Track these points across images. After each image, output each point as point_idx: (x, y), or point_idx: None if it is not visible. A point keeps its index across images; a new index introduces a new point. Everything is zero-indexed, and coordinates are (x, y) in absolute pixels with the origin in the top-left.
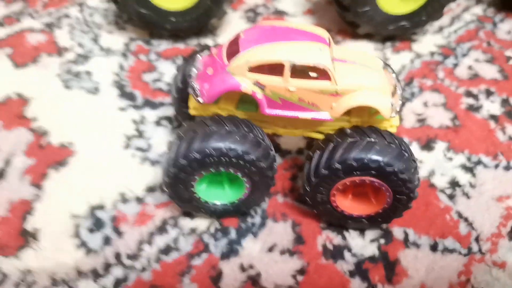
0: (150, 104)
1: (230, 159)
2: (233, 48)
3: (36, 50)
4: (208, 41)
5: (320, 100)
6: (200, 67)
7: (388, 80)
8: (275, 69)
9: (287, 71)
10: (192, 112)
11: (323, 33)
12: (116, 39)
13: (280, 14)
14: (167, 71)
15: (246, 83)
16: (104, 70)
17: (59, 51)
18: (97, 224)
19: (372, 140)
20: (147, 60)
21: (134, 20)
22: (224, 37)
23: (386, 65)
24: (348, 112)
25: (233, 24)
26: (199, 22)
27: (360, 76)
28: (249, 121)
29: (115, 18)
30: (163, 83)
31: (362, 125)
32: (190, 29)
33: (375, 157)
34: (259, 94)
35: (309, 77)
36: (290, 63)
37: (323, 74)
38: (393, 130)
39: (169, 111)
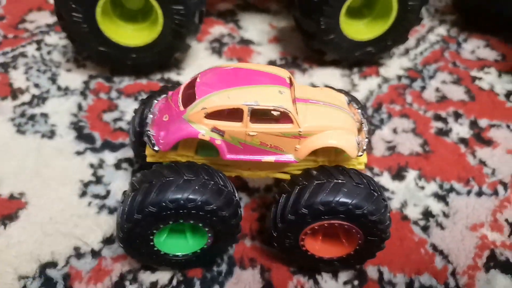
0: (109, 145)
1: (189, 210)
2: (189, 92)
3: None
4: (172, 75)
5: (283, 142)
6: (156, 112)
7: (353, 117)
8: (233, 114)
9: (246, 116)
10: (149, 159)
11: (284, 73)
12: (75, 78)
13: (246, 43)
14: (129, 109)
15: (204, 130)
16: (62, 112)
17: (13, 93)
18: (48, 285)
19: (340, 181)
20: (107, 98)
21: (94, 58)
22: (189, 70)
23: (352, 100)
24: (314, 152)
25: (198, 56)
26: (161, 57)
27: (324, 116)
28: (210, 167)
29: (74, 55)
30: (124, 122)
31: (329, 164)
32: (152, 64)
33: (343, 199)
34: (218, 140)
35: (270, 121)
36: (248, 108)
37: (284, 117)
38: (361, 167)
39: (130, 152)
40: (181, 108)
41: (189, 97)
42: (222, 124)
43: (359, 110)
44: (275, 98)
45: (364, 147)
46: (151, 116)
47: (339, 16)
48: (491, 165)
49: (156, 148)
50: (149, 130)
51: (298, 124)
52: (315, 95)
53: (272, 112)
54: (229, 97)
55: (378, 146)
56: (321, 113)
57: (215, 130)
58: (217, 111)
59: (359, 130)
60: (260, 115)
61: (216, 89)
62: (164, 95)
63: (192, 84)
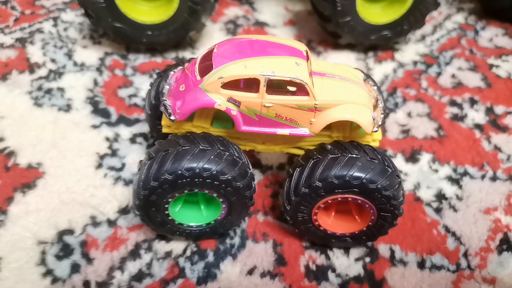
0: (125, 120)
1: (204, 179)
2: (206, 63)
3: (6, 66)
4: (187, 54)
5: (298, 115)
6: (173, 83)
7: (369, 93)
8: (250, 85)
9: (262, 87)
10: (165, 130)
11: (301, 46)
12: (90, 54)
13: (260, 25)
14: (144, 86)
15: (220, 100)
16: (78, 86)
17: (31, 67)
18: (65, 250)
19: (354, 156)
20: (122, 75)
21: (110, 35)
22: (203, 49)
23: (367, 77)
24: (329, 127)
25: (213, 36)
26: (176, 35)
27: (340, 90)
28: (225, 139)
29: (90, 32)
30: (139, 98)
31: (344, 140)
32: (167, 42)
33: (357, 174)
34: (234, 111)
35: (286, 93)
36: (265, 78)
37: (300, 89)
38: (375, 144)
39: (145, 127)
40: (198, 77)
41: (206, 67)
42: (238, 95)
43: (375, 87)
44: (292, 69)
45: (380, 123)
46: (167, 86)
47: None
48: (506, 151)
49: (172, 117)
50: (165, 100)
51: (314, 96)
52: (331, 70)
53: (288, 87)
54: (246, 67)
55: (392, 129)
56: (337, 87)
57: (231, 100)
58: (233, 81)
59: (375, 106)
60: (276, 87)
61: (233, 59)
62: (181, 67)
63: (209, 55)
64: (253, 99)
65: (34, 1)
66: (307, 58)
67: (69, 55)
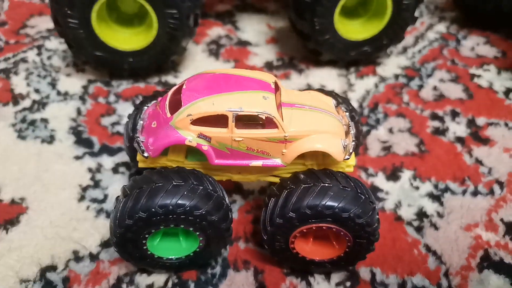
0: (107, 150)
1: (178, 216)
2: (177, 97)
3: None
4: (169, 78)
5: (269, 147)
6: (146, 118)
7: (341, 120)
8: (219, 120)
9: (231, 122)
10: (140, 165)
11: (269, 78)
12: (74, 82)
13: (243, 45)
14: (126, 113)
15: (191, 136)
16: (61, 117)
17: (15, 98)
18: None
19: (326, 185)
20: (105, 103)
21: (92, 63)
22: (187, 72)
23: (341, 103)
24: (303, 156)
25: (195, 58)
26: (158, 60)
27: (310, 120)
28: (199, 172)
29: (73, 60)
30: (122, 126)
31: (318, 167)
32: (149, 67)
33: (329, 203)
34: (205, 146)
35: (256, 126)
36: (233, 114)
37: (269, 122)
38: (350, 170)
39: (127, 156)
40: (168, 114)
41: (176, 103)
42: (208, 130)
43: (347, 113)
44: (259, 104)
45: (351, 150)
46: (141, 122)
47: (333, 16)
48: (487, 164)
49: (145, 154)
50: (138, 137)
51: (283, 129)
52: (301, 99)
53: (256, 119)
54: (214, 103)
55: (374, 147)
56: (307, 118)
57: (201, 136)
58: (203, 117)
59: (346, 133)
60: (247, 120)
61: (201, 96)
62: (155, 101)
63: (179, 91)
64: (223, 134)
65: (18, 29)
66: (276, 90)
67: (53, 84)
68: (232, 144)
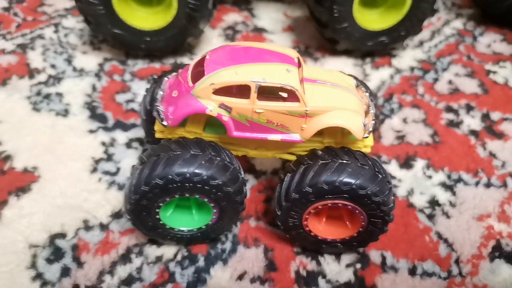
0: (121, 125)
1: (195, 184)
2: (199, 69)
3: (6, 72)
4: (185, 60)
5: (289, 121)
6: (166, 89)
7: (361, 100)
8: (241, 91)
9: (253, 93)
10: (157, 135)
11: (292, 53)
12: (90, 60)
13: (259, 31)
14: (141, 92)
15: (212, 106)
16: (76, 92)
17: (31, 72)
18: (56, 254)
19: (344, 161)
20: (121, 80)
21: (109, 41)
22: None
23: (360, 83)
24: (320, 133)
25: (211, 42)
26: (175, 41)
27: (331, 96)
28: (217, 144)
29: (90, 38)
30: (136, 103)
31: (336, 146)
32: (166, 48)
33: (347, 179)
34: (225, 117)
35: (277, 99)
36: (256, 84)
37: (291, 95)
38: (367, 150)
39: (141, 132)
40: (190, 84)
41: (199, 74)
42: (229, 101)
43: (367, 94)
44: (282, 76)
45: (370, 129)
46: (161, 92)
47: (352, 4)
48: (501, 158)
49: (165, 123)
50: (158, 105)
51: (305, 102)
52: (323, 76)
53: (280, 93)
54: (237, 73)
55: (387, 135)
56: (328, 94)
57: (222, 106)
58: (225, 87)
59: (366, 112)
60: (268, 93)
61: (225, 66)
62: (175, 73)
63: (201, 62)
64: (244, 105)
65: (36, 7)
66: (299, 65)
67: (69, 60)
68: (252, 116)
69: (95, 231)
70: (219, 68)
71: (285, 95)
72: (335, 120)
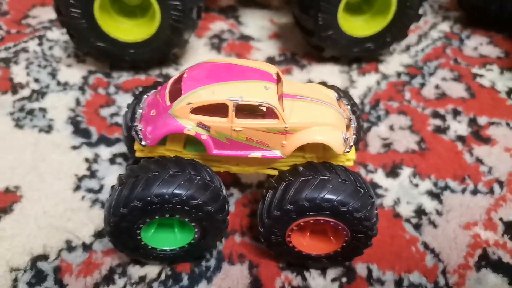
0: (105, 140)
1: (174, 205)
2: (177, 86)
3: None
4: (170, 70)
5: (269, 138)
6: (145, 107)
7: (342, 113)
8: (219, 109)
9: (231, 112)
10: (138, 154)
11: (271, 69)
12: (74, 73)
13: (245, 39)
14: (126, 104)
15: (190, 125)
16: (60, 107)
17: (14, 87)
18: (38, 277)
19: (326, 177)
20: (105, 94)
21: (93, 54)
22: (188, 65)
23: (343, 94)
24: (302, 148)
25: (197, 52)
26: (159, 53)
27: (311, 112)
28: (197, 162)
29: (74, 50)
30: (121, 117)
31: (318, 160)
32: (151, 60)
33: (328, 196)
34: (204, 136)
35: (256, 116)
36: (233, 103)
37: (270, 112)
38: (349, 164)
39: (125, 147)
40: (168, 103)
41: (176, 92)
42: (207, 119)
43: (349, 107)
44: (260, 94)
45: (352, 143)
46: (140, 111)
47: (337, 12)
48: (488, 163)
49: (143, 143)
50: (136, 125)
51: (284, 119)
52: (302, 91)
53: (260, 107)
54: (214, 92)
55: (374, 143)
56: (308, 109)
57: (201, 125)
58: (202, 106)
59: (347, 126)
60: (247, 111)
61: (202, 84)
62: (155, 90)
63: (179, 79)
64: (223, 124)
65: (20, 19)
66: (278, 81)
67: (53, 74)
68: (231, 134)
69: (78, 251)
70: (196, 86)
71: (264, 109)
72: (315, 136)
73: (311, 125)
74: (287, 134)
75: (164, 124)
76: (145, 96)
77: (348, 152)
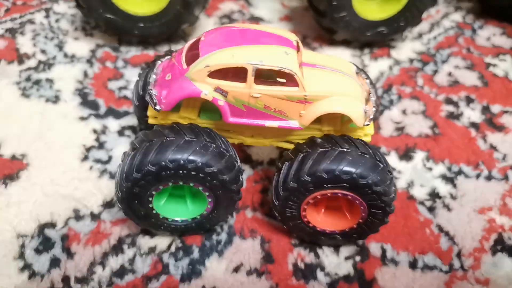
0: (113, 113)
1: (189, 172)
2: (194, 52)
3: None
4: (179, 47)
5: (287, 107)
6: (159, 72)
7: (362, 86)
8: (238, 74)
9: (250, 76)
10: (150, 121)
11: (291, 36)
12: (82, 46)
13: (256, 20)
14: (134, 79)
15: (207, 90)
16: (67, 78)
17: (20, 58)
18: (46, 244)
19: (344, 150)
20: (113, 67)
21: (101, 26)
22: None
23: (360, 70)
24: (319, 120)
25: (206, 30)
26: (169, 28)
27: (331, 82)
28: (212, 130)
29: (82, 24)
30: (129, 91)
31: (334, 133)
32: (160, 35)
33: (347, 168)
34: (221, 101)
35: (276, 83)
36: (253, 67)
37: (290, 79)
38: (367, 139)
39: (134, 120)
40: (184, 66)
41: (193, 56)
42: (225, 84)
43: (367, 81)
44: (281, 59)
45: (371, 117)
46: (154, 76)
47: None
48: (502, 150)
49: (157, 107)
50: (151, 89)
51: (304, 87)
52: (322, 61)
53: (278, 78)
54: (233, 55)
55: (386, 126)
56: (328, 79)
57: (218, 90)
58: (221, 70)
59: (367, 100)
60: (266, 77)
61: (221, 47)
62: (169, 57)
63: (196, 44)
64: (241, 89)
65: None
66: (298, 49)
67: (60, 46)
68: (249, 101)
69: (86, 220)
70: (214, 49)
71: (283, 80)
72: (336, 106)
73: (330, 94)
74: (306, 103)
75: (180, 87)
76: (159, 62)
77: (367, 125)
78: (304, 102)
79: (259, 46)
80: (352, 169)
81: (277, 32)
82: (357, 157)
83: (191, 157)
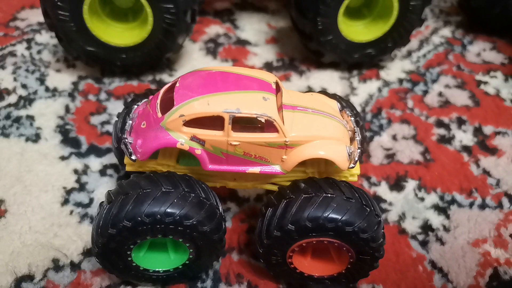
0: (95, 150)
1: (167, 225)
2: (169, 96)
3: None
4: (164, 76)
5: (268, 153)
6: (135, 118)
7: (345, 125)
8: (215, 121)
9: (227, 125)
10: (128, 168)
11: (270, 77)
12: (64, 78)
13: (242, 44)
14: (117, 112)
15: (183, 139)
16: (48, 114)
17: (0, 94)
18: None
19: (329, 195)
20: (96, 100)
21: (83, 58)
22: (182, 71)
23: (345, 104)
24: (303, 163)
25: (192, 56)
26: (152, 57)
27: (313, 125)
28: (191, 178)
29: (64, 54)
30: (112, 125)
31: (319, 176)
32: (143, 64)
33: (332, 215)
34: (198, 150)
35: (255, 129)
36: (229, 115)
37: (269, 125)
38: (353, 179)
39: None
40: (159, 114)
41: (168, 102)
42: (202, 133)
43: (352, 118)
44: (259, 105)
45: (356, 158)
46: (130, 122)
47: (337, 16)
48: (495, 175)
49: (133, 157)
50: (126, 138)
51: (284, 133)
52: (303, 102)
53: (258, 124)
54: (209, 103)
55: (377, 154)
56: (309, 122)
57: (195, 139)
58: (196, 119)
59: (351, 139)
60: (244, 123)
61: (196, 95)
62: (146, 100)
63: (171, 89)
64: (218, 138)
65: (8, 22)
66: (277, 90)
67: (41, 79)
68: (228, 149)
69: (66, 271)
70: (190, 96)
71: (261, 124)
72: (318, 151)
73: (313, 138)
74: (287, 148)
75: (155, 137)
76: (136, 106)
77: (352, 167)
78: (285, 147)
79: (236, 92)
80: (338, 216)
81: (255, 75)
82: (342, 203)
83: (168, 210)
